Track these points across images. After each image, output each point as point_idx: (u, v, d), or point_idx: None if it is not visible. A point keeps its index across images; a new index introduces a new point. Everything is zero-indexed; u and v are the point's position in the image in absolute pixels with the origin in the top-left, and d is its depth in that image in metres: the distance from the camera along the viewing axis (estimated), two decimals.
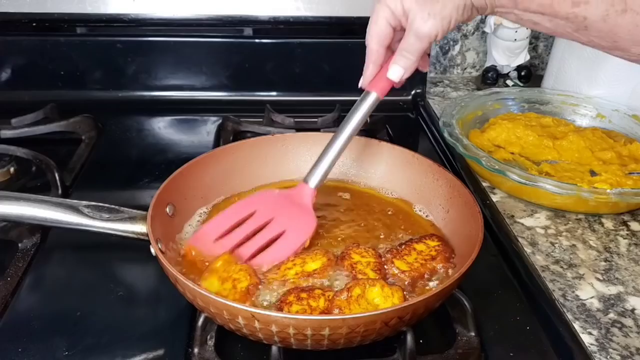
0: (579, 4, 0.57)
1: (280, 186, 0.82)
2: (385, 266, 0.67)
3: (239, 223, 0.71)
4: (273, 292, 0.62)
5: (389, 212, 0.78)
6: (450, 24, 0.62)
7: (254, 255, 0.67)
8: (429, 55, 0.68)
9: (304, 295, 0.60)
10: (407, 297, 0.62)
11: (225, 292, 0.60)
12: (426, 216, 0.77)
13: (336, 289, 0.62)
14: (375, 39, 0.66)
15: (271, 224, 0.71)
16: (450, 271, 0.67)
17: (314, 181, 0.71)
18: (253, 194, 0.76)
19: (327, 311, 0.59)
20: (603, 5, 0.56)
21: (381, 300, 0.60)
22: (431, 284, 0.65)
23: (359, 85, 0.70)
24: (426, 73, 1.16)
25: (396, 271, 0.66)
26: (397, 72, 0.66)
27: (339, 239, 0.72)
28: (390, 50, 0.68)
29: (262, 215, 0.71)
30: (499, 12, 0.63)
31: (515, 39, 1.19)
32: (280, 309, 0.58)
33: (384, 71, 0.67)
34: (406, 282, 0.65)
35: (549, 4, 0.58)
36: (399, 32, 0.66)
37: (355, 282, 0.61)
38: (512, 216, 0.82)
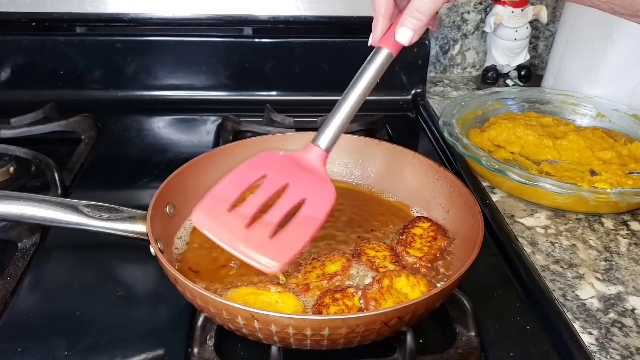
0: None
1: None
2: (400, 257, 0.68)
3: (249, 189, 0.60)
4: (300, 297, 0.62)
5: (388, 211, 0.78)
6: None
7: (276, 231, 0.57)
8: (437, 13, 0.61)
9: (338, 296, 0.60)
10: (434, 282, 0.65)
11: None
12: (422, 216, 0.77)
13: (365, 285, 0.63)
14: None
15: (288, 191, 0.60)
16: (452, 246, 0.70)
17: (324, 142, 0.61)
18: (257, 155, 0.64)
19: (364, 307, 0.59)
20: None
21: (409, 290, 0.61)
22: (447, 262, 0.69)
23: (369, 44, 0.63)
24: (426, 73, 1.16)
25: (414, 260, 0.67)
26: (407, 34, 0.60)
27: (341, 238, 0.72)
28: (397, 6, 0.63)
29: (276, 180, 0.61)
30: None
31: (516, 39, 1.19)
32: (319, 313, 0.58)
33: (394, 27, 0.61)
34: (427, 268, 0.67)
35: None
36: None
37: (382, 274, 0.63)
38: (513, 216, 0.82)
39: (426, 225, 0.73)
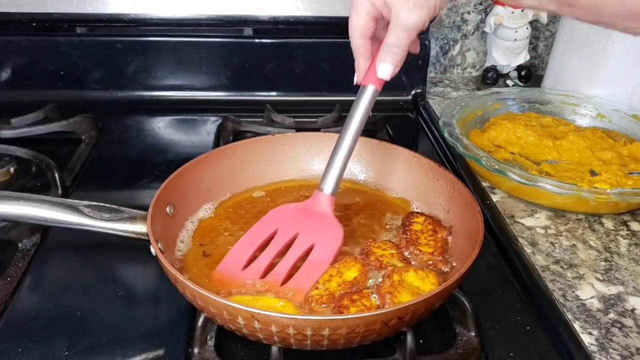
0: None
1: (281, 185, 0.82)
2: (412, 255, 0.69)
3: (263, 245, 0.68)
4: (329, 305, 0.61)
5: (389, 210, 0.78)
6: (435, 11, 0.59)
7: (289, 276, 0.64)
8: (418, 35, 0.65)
9: (355, 297, 0.60)
10: (449, 269, 0.67)
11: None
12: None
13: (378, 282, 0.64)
14: (358, 33, 0.63)
15: (298, 240, 0.67)
16: (450, 237, 0.71)
17: (328, 187, 0.68)
18: (269, 212, 0.71)
19: (380, 304, 0.60)
20: None
21: (419, 282, 0.62)
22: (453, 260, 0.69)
23: (355, 82, 0.67)
24: (426, 73, 1.16)
25: (428, 256, 0.68)
26: (387, 69, 0.63)
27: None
28: (376, 40, 0.66)
29: (286, 232, 0.68)
30: None
31: (515, 39, 1.19)
32: (340, 313, 0.58)
33: (375, 64, 0.64)
34: (441, 261, 0.68)
35: None
36: (380, 21, 0.63)
37: (391, 270, 0.63)
38: (512, 216, 0.82)
39: (421, 219, 0.74)
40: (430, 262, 0.68)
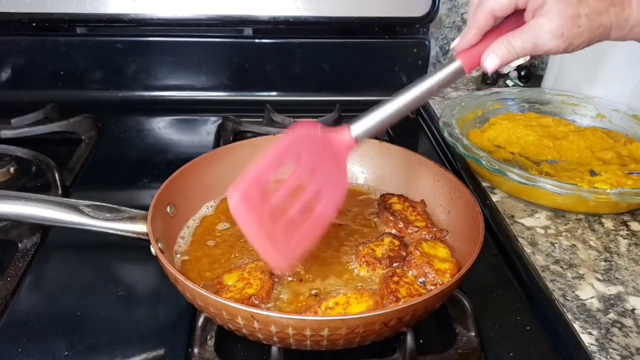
0: None
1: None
2: (412, 233, 0.72)
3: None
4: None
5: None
6: (572, 50, 0.57)
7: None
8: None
9: (395, 279, 0.64)
10: (446, 235, 0.72)
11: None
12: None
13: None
14: (491, 7, 0.56)
15: (311, 183, 0.60)
16: (427, 208, 0.76)
17: (357, 129, 0.61)
18: (292, 129, 0.62)
19: (421, 279, 0.64)
20: None
21: (434, 251, 0.67)
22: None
23: (451, 47, 0.61)
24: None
25: (426, 230, 0.72)
26: (493, 62, 0.58)
27: (340, 242, 0.72)
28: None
29: (306, 165, 0.60)
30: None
31: None
32: (396, 300, 0.60)
33: (480, 47, 0.59)
34: (437, 232, 0.72)
35: None
36: (514, 16, 0.58)
37: (414, 243, 0.68)
38: (512, 216, 0.82)
39: (395, 199, 0.77)
40: (429, 234, 0.71)
